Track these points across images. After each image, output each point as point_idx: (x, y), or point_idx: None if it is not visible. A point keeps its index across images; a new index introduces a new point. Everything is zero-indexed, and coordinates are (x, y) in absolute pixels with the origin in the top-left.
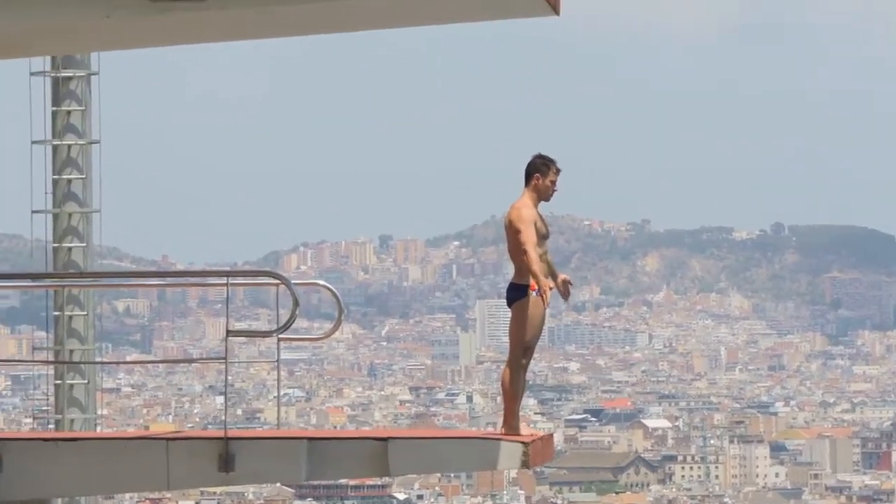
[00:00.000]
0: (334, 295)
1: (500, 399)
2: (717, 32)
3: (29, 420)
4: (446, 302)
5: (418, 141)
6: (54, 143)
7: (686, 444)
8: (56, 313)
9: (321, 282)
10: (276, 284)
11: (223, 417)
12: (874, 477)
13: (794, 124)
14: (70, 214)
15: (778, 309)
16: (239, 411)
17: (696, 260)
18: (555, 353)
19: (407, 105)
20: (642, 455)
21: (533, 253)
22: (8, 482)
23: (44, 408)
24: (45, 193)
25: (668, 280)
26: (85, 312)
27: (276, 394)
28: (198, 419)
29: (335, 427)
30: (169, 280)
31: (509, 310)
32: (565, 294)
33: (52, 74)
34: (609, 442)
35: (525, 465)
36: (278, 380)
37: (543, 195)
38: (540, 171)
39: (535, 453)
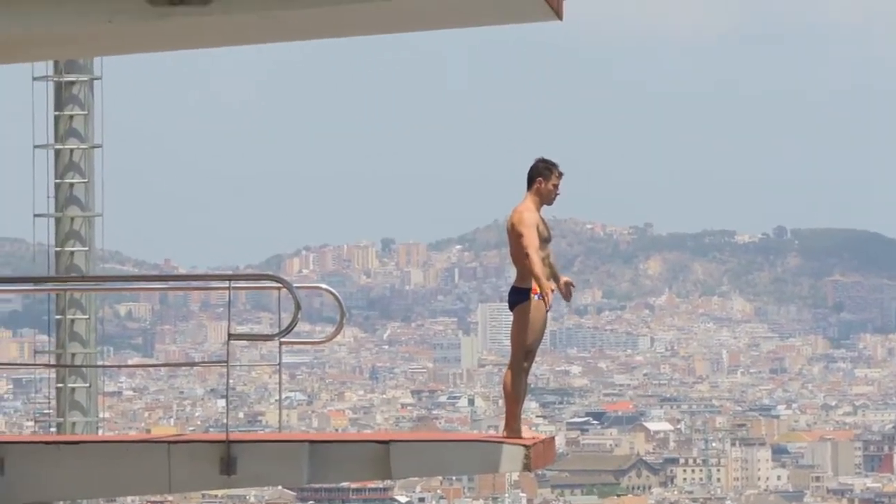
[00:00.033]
0: (336, 298)
1: (501, 402)
2: (718, 34)
3: (30, 423)
4: (448, 305)
5: (420, 145)
6: (57, 147)
7: (688, 446)
8: (58, 317)
9: (323, 285)
10: (278, 288)
11: (225, 421)
12: (876, 479)
13: (796, 127)
14: (72, 218)
15: (780, 312)
16: (241, 414)
17: (698, 263)
18: (557, 357)
19: (409, 109)
20: (644, 458)
21: (535, 256)
22: (10, 485)
23: (45, 411)
24: (48, 197)
25: (670, 283)
26: (87, 316)
27: (277, 397)
28: (199, 422)
29: (337, 430)
30: (171, 284)
31: (511, 313)
32: (567, 296)
33: (55, 79)
34: (611, 445)
35: (527, 467)
36: (280, 383)
37: (546, 199)
38: (542, 175)
39: (537, 456)
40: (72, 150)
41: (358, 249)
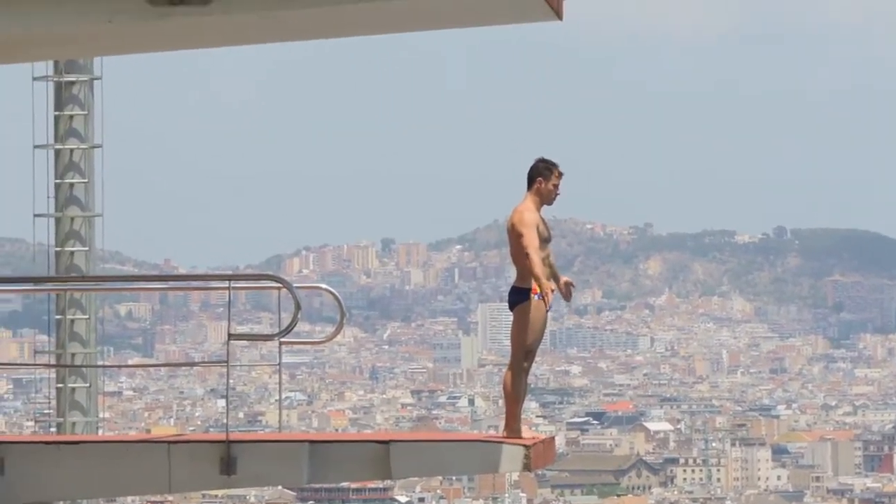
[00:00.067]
0: (336, 298)
1: (501, 402)
2: (718, 34)
3: (31, 423)
4: (448, 305)
5: (421, 145)
6: (57, 147)
7: (688, 446)
8: (58, 317)
9: (323, 285)
10: (278, 288)
11: (225, 421)
12: (876, 479)
13: (796, 127)
14: (72, 218)
15: (780, 312)
16: (241, 414)
17: (698, 263)
18: (557, 357)
19: (409, 109)
20: (644, 458)
21: (535, 256)
22: (10, 485)
23: (45, 411)
24: (48, 197)
25: (670, 283)
26: (87, 316)
27: (277, 397)
28: (199, 422)
29: (337, 430)
30: (171, 284)
31: (511, 313)
32: (567, 296)
33: (55, 79)
34: (611, 445)
35: (527, 467)
36: (280, 383)
37: (546, 199)
38: (542, 175)
39: (537, 456)
40: (72, 150)
41: (358, 249)
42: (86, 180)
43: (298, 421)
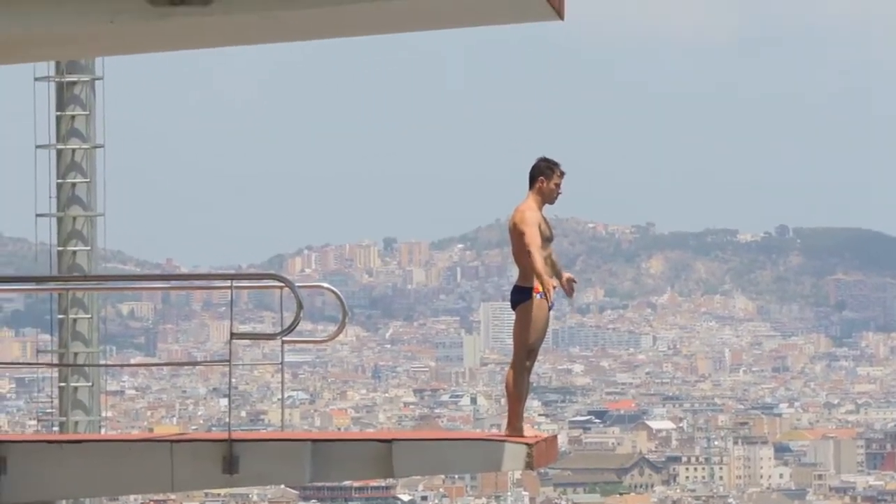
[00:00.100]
0: (338, 297)
1: (503, 401)
2: (719, 36)
3: (33, 422)
4: (450, 304)
5: (422, 144)
6: (58, 147)
7: (690, 445)
8: (60, 316)
9: (325, 284)
10: (281, 287)
11: (227, 420)
12: (878, 477)
13: (796, 128)
14: (74, 218)
15: (782, 311)
16: (243, 413)
17: (700, 262)
18: (559, 355)
19: (411, 108)
20: (646, 456)
21: (537, 255)
22: (12, 484)
23: (48, 410)
24: (50, 197)
25: (672, 282)
26: (89, 315)
27: (280, 396)
28: (202, 421)
29: (339, 429)
30: (173, 283)
31: (513, 312)
32: (569, 292)
33: (57, 79)
34: (613, 443)
35: (529, 466)
36: (282, 382)
37: (548, 198)
38: (544, 174)
39: (539, 455)
40: (74, 150)
41: (360, 248)
42: (88, 180)
43: (301, 420)
